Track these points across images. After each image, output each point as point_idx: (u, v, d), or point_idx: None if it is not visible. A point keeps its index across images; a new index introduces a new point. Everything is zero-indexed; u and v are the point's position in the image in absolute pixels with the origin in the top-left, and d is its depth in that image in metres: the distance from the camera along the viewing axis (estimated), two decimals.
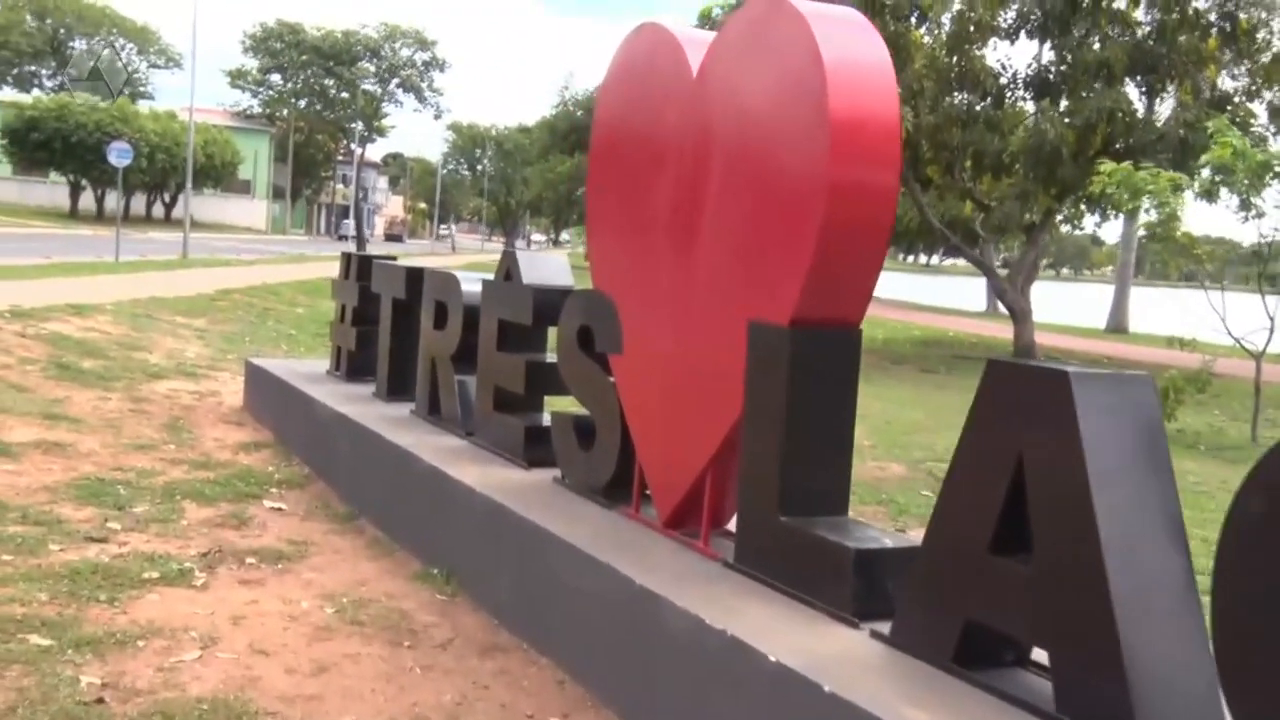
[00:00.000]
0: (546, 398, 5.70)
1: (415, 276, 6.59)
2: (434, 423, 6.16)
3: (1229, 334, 11.15)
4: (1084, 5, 18.44)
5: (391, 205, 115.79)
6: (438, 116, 60.70)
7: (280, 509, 6.07)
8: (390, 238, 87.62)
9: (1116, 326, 34.70)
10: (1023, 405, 2.72)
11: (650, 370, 4.29)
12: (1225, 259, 12.25)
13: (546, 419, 5.51)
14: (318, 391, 7.15)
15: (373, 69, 58.47)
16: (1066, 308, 37.33)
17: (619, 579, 3.74)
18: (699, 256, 3.99)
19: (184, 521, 5.61)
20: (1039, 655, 2.90)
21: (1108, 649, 2.48)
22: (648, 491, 4.45)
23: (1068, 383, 2.61)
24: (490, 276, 6.06)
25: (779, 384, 3.55)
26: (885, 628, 3.18)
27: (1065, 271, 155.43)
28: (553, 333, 5.37)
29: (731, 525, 4.13)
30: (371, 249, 51.43)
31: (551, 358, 5.45)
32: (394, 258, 7.64)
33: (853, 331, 3.62)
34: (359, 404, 6.76)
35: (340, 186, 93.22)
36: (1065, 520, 2.60)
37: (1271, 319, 11.04)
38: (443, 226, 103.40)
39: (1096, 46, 18.25)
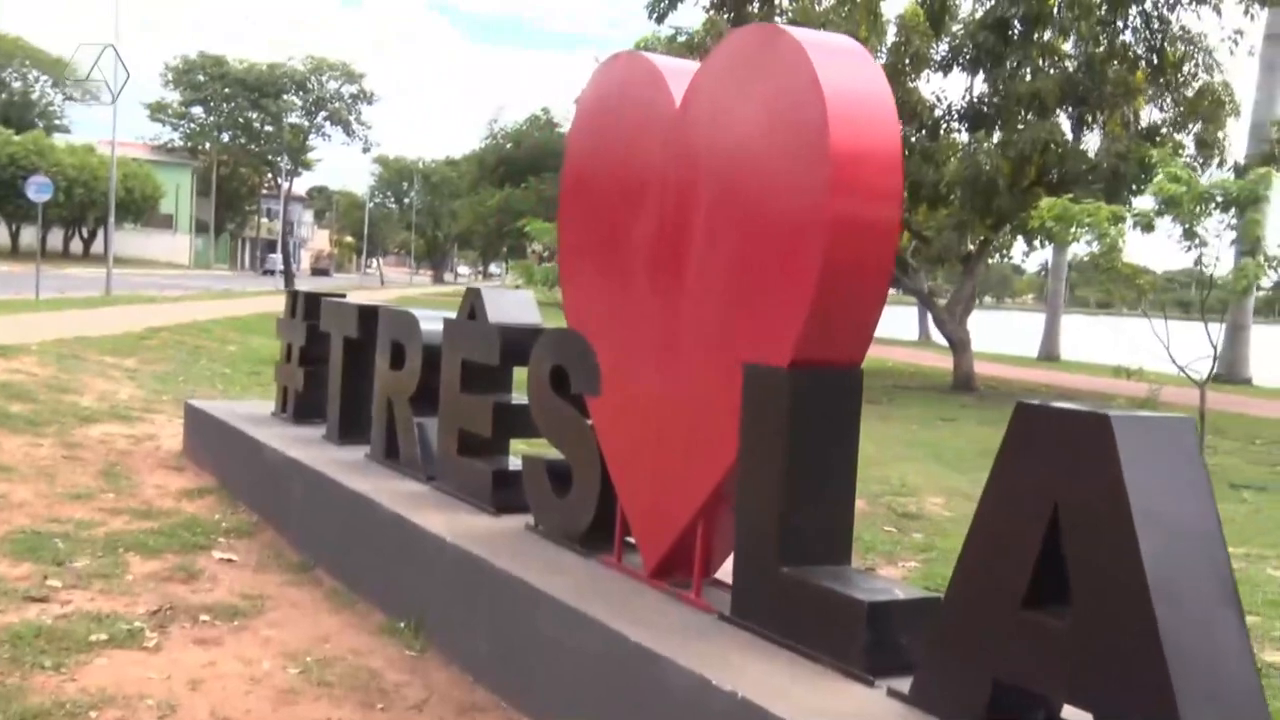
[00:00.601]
0: (512, 440, 5.49)
1: (369, 315, 6.35)
2: (392, 467, 5.92)
3: (1173, 362, 11.24)
4: (1015, 38, 18.69)
5: (317, 239, 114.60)
6: (366, 149, 60.15)
7: (231, 560, 5.78)
8: (316, 272, 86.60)
9: (1048, 354, 35.18)
10: (1059, 451, 2.59)
11: (632, 413, 4.11)
12: (1164, 287, 12.39)
13: (514, 462, 5.31)
14: (265, 435, 6.86)
15: (299, 102, 57.79)
16: (995, 336, 37.76)
17: (609, 634, 3.55)
18: (686, 295, 3.83)
19: (129, 576, 5.30)
20: (1070, 714, 2.76)
21: (1161, 708, 2.34)
22: (629, 539, 4.27)
23: (1109, 426, 2.48)
24: (435, 312, 5.87)
25: (778, 428, 3.39)
26: (901, 684, 3.02)
27: (988, 300, 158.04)
28: (519, 373, 5.20)
29: (721, 574, 3.97)
30: (299, 284, 50.74)
31: (519, 398, 5.26)
32: (344, 295, 7.39)
33: (854, 372, 3.47)
34: (310, 447, 6.49)
35: (265, 220, 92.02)
36: (1109, 571, 2.46)
37: (1215, 347, 11.15)
38: (369, 261, 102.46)
39: (1028, 78, 18.50)
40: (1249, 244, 10.77)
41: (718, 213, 3.67)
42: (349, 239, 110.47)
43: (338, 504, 5.58)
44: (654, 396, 3.99)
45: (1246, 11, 18.20)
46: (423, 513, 4.96)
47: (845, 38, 3.53)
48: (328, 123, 57.57)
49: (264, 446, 6.63)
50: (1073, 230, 11.15)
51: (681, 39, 19.18)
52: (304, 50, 68.50)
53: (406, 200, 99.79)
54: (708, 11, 19.60)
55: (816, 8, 18.28)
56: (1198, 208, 10.47)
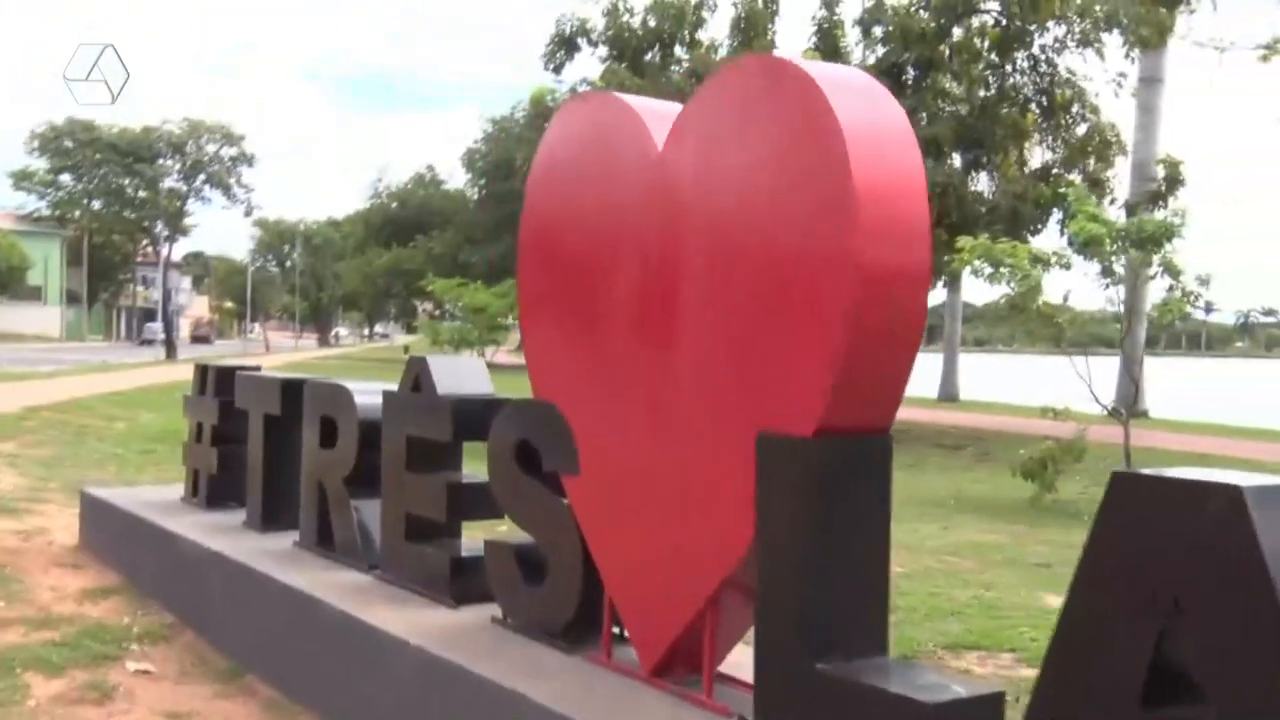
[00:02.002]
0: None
1: (293, 389, 5.82)
2: (326, 556, 5.38)
3: (1095, 399, 11.21)
4: (909, 84, 18.87)
5: (196, 306, 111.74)
6: (248, 213, 58.66)
7: (147, 671, 5.17)
8: (197, 339, 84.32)
9: (948, 395, 35.55)
10: (1176, 528, 2.24)
11: (620, 492, 3.69)
12: (1083, 325, 12.46)
13: (470, 545, 4.83)
14: (177, 524, 6.25)
15: (176, 166, 56.24)
16: None
17: None
18: (681, 358, 3.44)
19: (30, 702, 4.67)
20: None
21: None
22: (617, 629, 3.84)
23: (1242, 500, 2.14)
24: (367, 384, 5.40)
25: (804, 505, 3.00)
26: None
27: None
28: (469, 448, 4.75)
29: (727, 666, 3.56)
30: (181, 352, 49.11)
31: (471, 476, 4.80)
32: (258, 368, 6.83)
33: (884, 439, 3.11)
34: (230, 537, 5.91)
35: (140, 289, 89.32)
36: (1253, 666, 2.11)
37: (1135, 384, 11.14)
38: (252, 326, 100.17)
39: (924, 123, 18.66)
40: (1170, 279, 10.83)
41: (717, 264, 3.29)
42: (229, 304, 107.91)
43: (270, 601, 5.03)
44: (646, 473, 3.57)
45: (1127, 55, 18.67)
46: (373, 609, 4.45)
47: (851, 68, 3.20)
48: (207, 186, 56.08)
49: (178, 538, 6.02)
50: (998, 270, 11.09)
51: (583, 88, 18.94)
52: (177, 118, 66.88)
53: (288, 263, 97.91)
54: (604, 62, 19.42)
55: (714, 56, 18.21)
56: (1116, 246, 10.48)
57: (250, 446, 6.20)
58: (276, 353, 62.97)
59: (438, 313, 55.96)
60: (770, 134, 3.12)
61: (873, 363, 2.99)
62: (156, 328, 61.87)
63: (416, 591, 4.70)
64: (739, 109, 3.24)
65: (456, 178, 62.01)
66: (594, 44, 19.58)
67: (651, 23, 18.85)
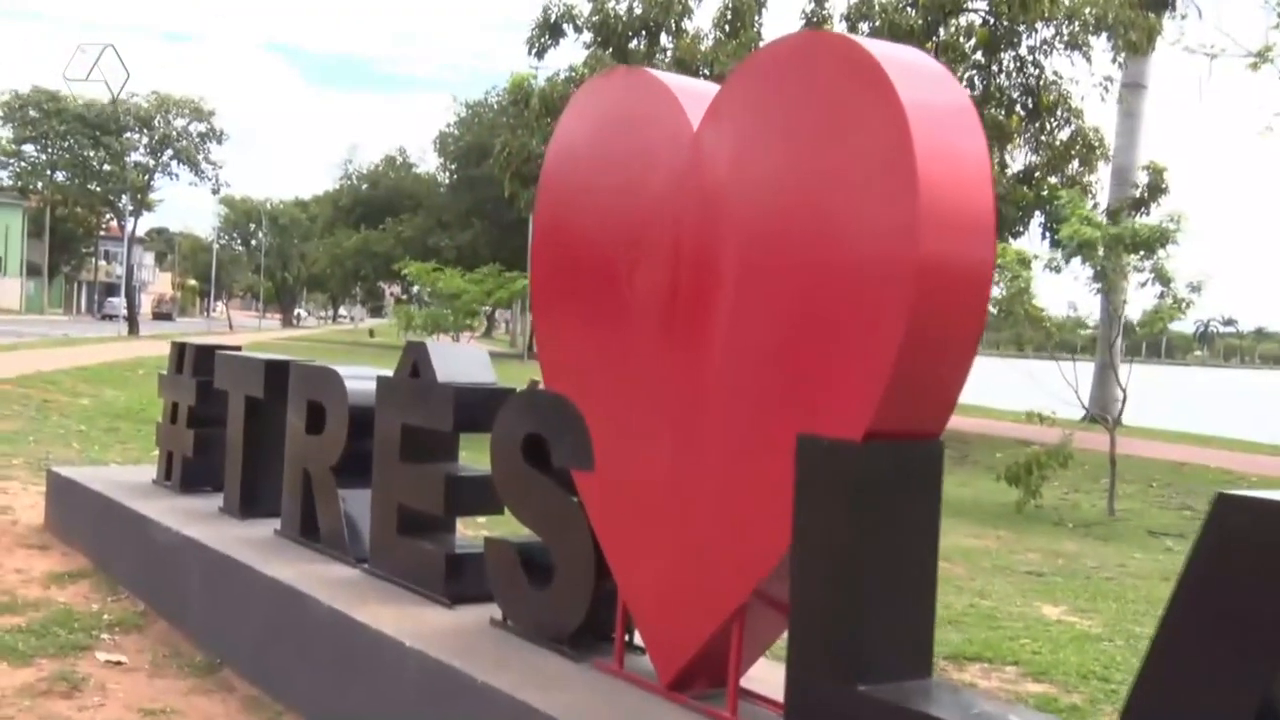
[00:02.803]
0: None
1: (278, 371, 5.56)
2: (309, 546, 5.13)
3: (1082, 405, 11.10)
4: None
5: (159, 282, 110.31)
6: (216, 190, 57.70)
7: (119, 662, 4.91)
8: (159, 316, 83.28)
9: None
10: None
11: (639, 492, 3.48)
12: (1072, 329, 12.36)
13: (467, 543, 4.62)
14: (151, 508, 5.98)
15: (144, 140, 55.27)
16: None
17: None
18: (713, 353, 3.23)
19: None
20: None
21: None
22: (628, 637, 3.64)
23: None
24: (359, 368, 5.17)
25: (849, 513, 2.80)
26: None
27: None
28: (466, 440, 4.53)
29: (748, 682, 3.36)
30: (143, 329, 48.37)
31: (468, 468, 4.58)
32: (239, 348, 6.56)
33: (935, 444, 2.91)
34: (208, 523, 5.65)
35: (103, 263, 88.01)
36: None
37: (1124, 390, 11.04)
38: (216, 304, 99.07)
39: None
40: (1162, 285, 10.73)
41: (758, 254, 3.08)
42: (192, 282, 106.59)
43: (252, 593, 4.79)
44: (670, 472, 3.36)
45: (1115, 59, 18.61)
46: (365, 606, 4.22)
47: (912, 49, 3.00)
48: (175, 161, 55.14)
49: (152, 523, 5.75)
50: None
51: (564, 75, 18.67)
52: (137, 88, 65.39)
53: (253, 242, 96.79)
54: (588, 48, 19.15)
55: (700, 47, 17.99)
56: (1110, 251, 10.37)
57: (230, 429, 5.94)
58: (240, 332, 62.15)
59: (405, 297, 55.48)
60: (824, 116, 2.91)
61: (929, 365, 2.79)
62: (118, 303, 60.87)
63: (408, 588, 4.47)
64: (788, 88, 3.03)
65: (428, 161, 61.51)
66: (579, 30, 19.31)
67: (638, 10, 18.60)
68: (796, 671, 2.95)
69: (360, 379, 5.00)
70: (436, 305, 15.98)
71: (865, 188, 2.79)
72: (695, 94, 3.45)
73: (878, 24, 17.64)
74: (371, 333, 68.27)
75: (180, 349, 6.68)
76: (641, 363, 3.49)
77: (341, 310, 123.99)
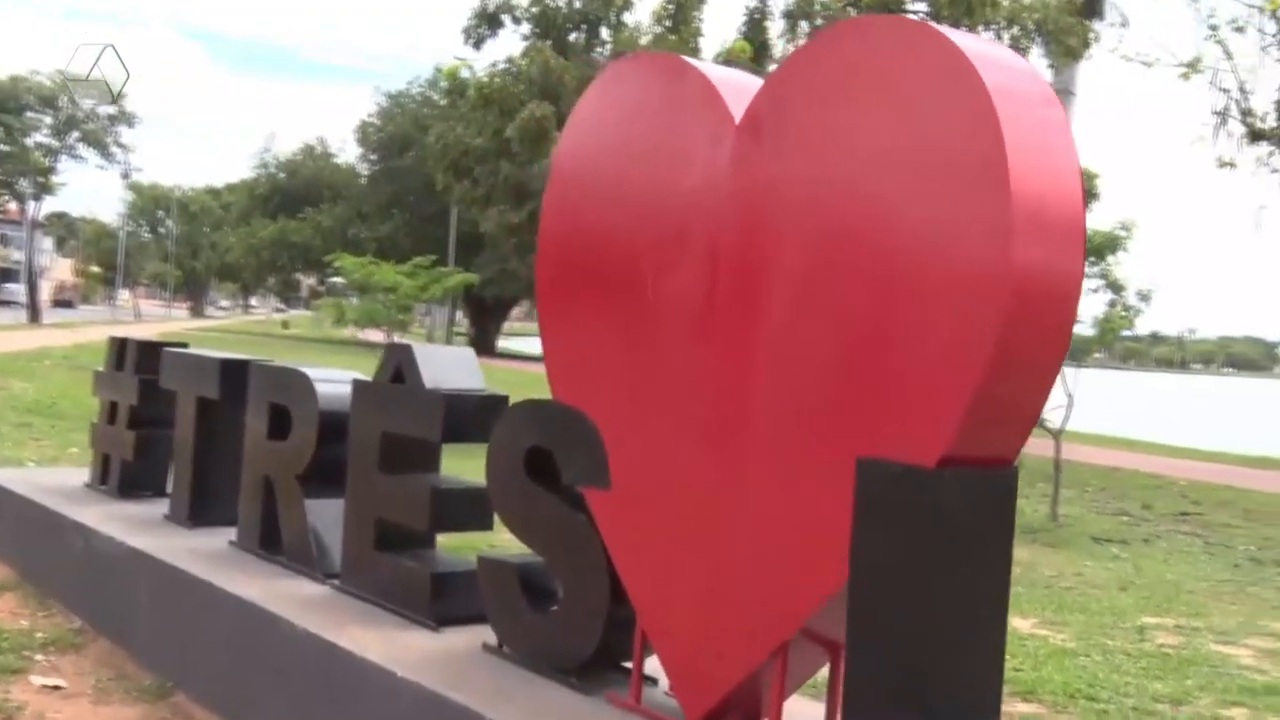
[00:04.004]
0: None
1: (235, 371, 5.18)
2: (270, 560, 4.77)
3: None
4: None
5: (59, 268, 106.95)
6: (126, 175, 55.86)
7: (58, 687, 4.52)
8: (59, 304, 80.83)
9: None
10: None
11: (667, 516, 3.20)
12: None
13: (452, 561, 4.31)
14: (88, 515, 5.55)
15: (48, 120, 53.31)
16: None
17: None
18: (758, 365, 2.96)
19: None
20: None
21: None
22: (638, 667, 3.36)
23: None
24: (329, 371, 4.84)
25: (918, 546, 2.56)
26: None
27: None
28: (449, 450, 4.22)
29: None
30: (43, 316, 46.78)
31: (455, 481, 4.27)
32: (185, 344, 6.15)
33: (1011, 472, 2.69)
34: (154, 533, 5.25)
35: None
36: None
37: (1070, 396, 11.04)
38: (122, 292, 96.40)
39: None
40: (1113, 293, 10.72)
41: (816, 259, 2.83)
42: (95, 269, 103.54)
43: (211, 612, 4.42)
44: (703, 494, 3.10)
45: (1051, 65, 18.73)
46: (344, 628, 3.89)
47: (994, 42, 2.77)
48: (81, 144, 53.26)
49: (91, 532, 5.33)
50: None
51: (502, 66, 18.26)
52: (40, 66, 62.84)
53: (162, 230, 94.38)
54: (526, 40, 18.77)
55: (640, 41, 17.72)
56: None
57: (178, 432, 5.53)
58: (147, 321, 60.49)
59: (322, 289, 54.47)
60: (898, 108, 2.67)
61: (1013, 386, 2.57)
62: (16, 289, 58.83)
63: (387, 608, 4.14)
64: (854, 77, 2.78)
65: (348, 151, 60.35)
66: (518, 21, 18.94)
67: (578, 3, 18.29)
68: (854, 716, 2.70)
69: (331, 382, 4.66)
70: (365, 298, 15.54)
71: (950, 194, 2.55)
72: (734, 83, 3.19)
73: (819, 23, 17.54)
74: (286, 324, 66.91)
75: (121, 344, 6.24)
76: (669, 374, 3.22)
77: (253, 301, 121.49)
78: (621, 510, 3.34)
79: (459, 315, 53.69)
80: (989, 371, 2.48)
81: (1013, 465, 2.70)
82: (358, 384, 4.41)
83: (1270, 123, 17.51)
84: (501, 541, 6.25)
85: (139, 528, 5.32)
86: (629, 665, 3.41)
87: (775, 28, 19.51)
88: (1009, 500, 2.68)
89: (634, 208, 3.35)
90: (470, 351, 4.42)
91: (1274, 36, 16.71)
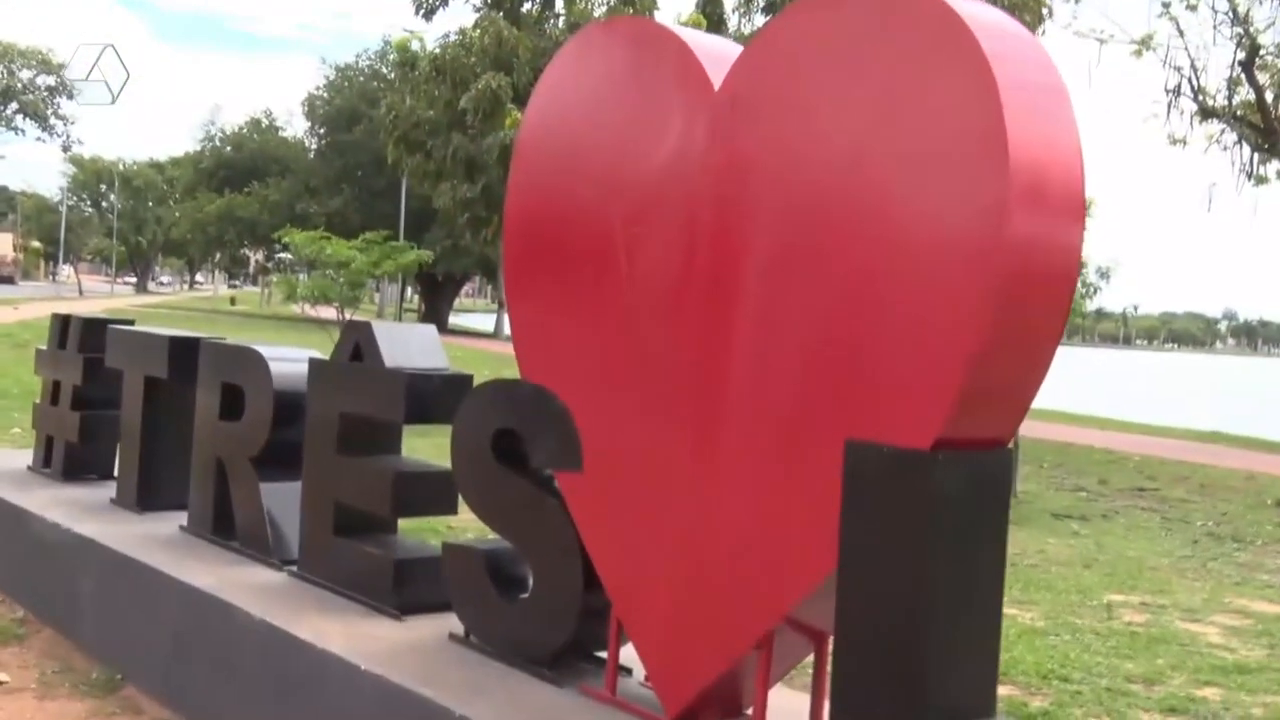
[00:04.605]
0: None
1: (185, 349, 4.98)
2: (223, 545, 4.60)
3: None
4: None
5: None
6: (67, 148, 54.65)
7: (1, 681, 4.32)
8: None
9: None
10: None
11: (643, 500, 3.08)
12: None
13: (415, 547, 4.16)
14: (31, 500, 5.34)
15: None
16: None
17: None
18: (739, 343, 2.83)
19: None
20: None
21: None
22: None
23: None
24: (284, 349, 4.68)
25: (911, 532, 2.45)
26: None
27: None
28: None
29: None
30: None
31: (418, 463, 4.12)
32: (131, 321, 5.92)
33: (1004, 454, 2.59)
34: (101, 518, 5.04)
35: None
36: None
37: None
38: (64, 267, 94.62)
39: None
40: None
41: (801, 234, 2.70)
42: (36, 244, 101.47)
43: (163, 600, 4.24)
44: (682, 479, 2.97)
45: None
46: (304, 618, 3.74)
47: (991, 7, 2.64)
48: (20, 116, 52.03)
49: (34, 517, 5.12)
50: None
51: (453, 38, 17.94)
52: None
53: (104, 204, 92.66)
54: (478, 11, 18.46)
55: (594, 13, 17.48)
56: None
57: (125, 413, 5.32)
58: (91, 297, 59.39)
59: (269, 264, 53.74)
60: (889, 76, 2.54)
61: (1010, 364, 2.46)
62: None
63: (348, 596, 3.99)
64: (842, 44, 2.64)
65: (295, 124, 59.47)
66: None
67: None
68: (843, 712, 2.59)
69: (286, 360, 4.49)
70: (317, 274, 15.26)
71: (945, 164, 2.42)
72: (712, 50, 3.05)
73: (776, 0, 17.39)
74: (233, 300, 65.96)
75: (64, 321, 6.00)
76: (645, 352, 3.08)
77: (199, 277, 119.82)
78: (595, 494, 3.21)
79: (409, 292, 53.21)
80: (984, 349, 2.37)
81: (1007, 446, 2.60)
82: (314, 363, 4.24)
83: (1221, 100, 17.63)
84: (459, 524, 6.12)
85: (85, 513, 5.11)
86: (603, 655, 3.29)
87: (730, 1, 19.36)
88: (1004, 483, 2.58)
89: (606, 180, 3.20)
90: (432, 329, 4.26)
91: (1225, 15, 16.81)
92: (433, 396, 3.85)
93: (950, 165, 2.42)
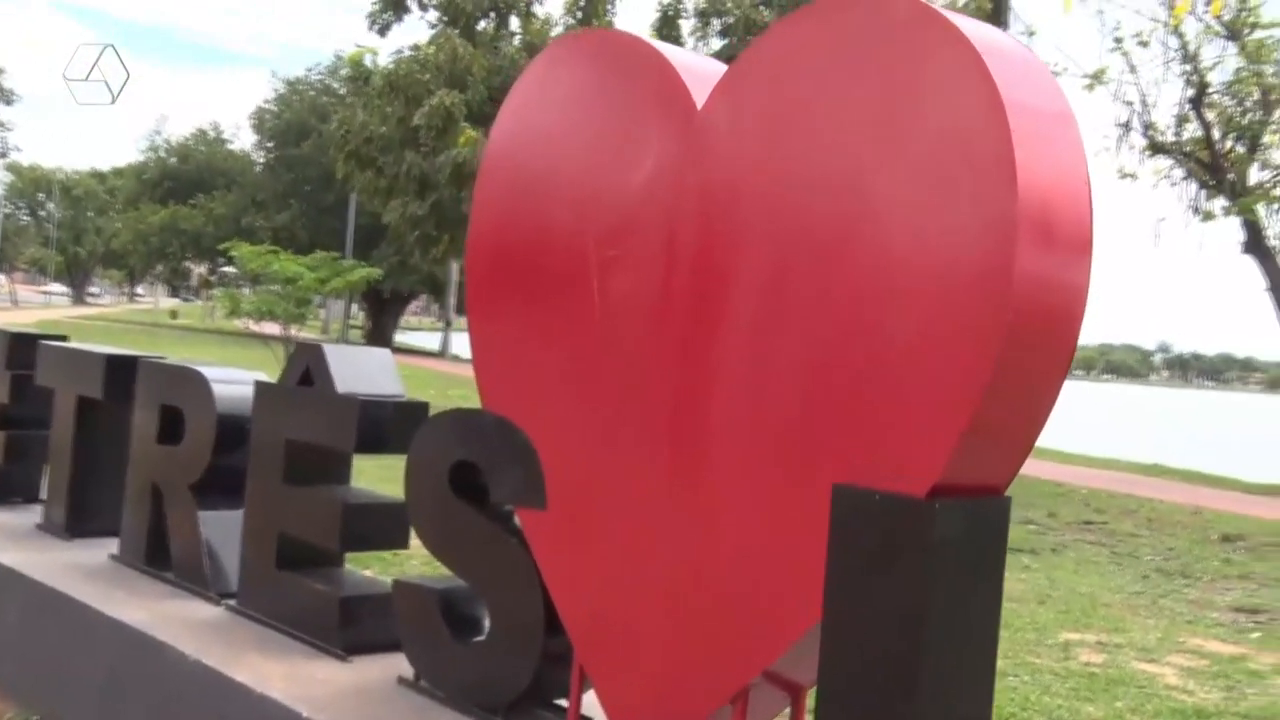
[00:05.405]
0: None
1: (122, 368, 4.73)
2: (157, 577, 4.35)
3: None
4: None
5: None
6: (4, 154, 53.55)
7: None
8: None
9: None
10: None
11: (611, 542, 2.90)
12: None
13: (363, 583, 3.94)
14: None
15: None
16: None
17: None
18: (720, 377, 2.67)
19: None
20: None
21: None
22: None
23: None
24: (226, 370, 4.45)
25: (906, 584, 2.29)
26: None
27: None
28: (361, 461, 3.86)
29: None
30: None
31: (368, 495, 3.91)
32: (65, 337, 5.65)
33: (1004, 501, 2.44)
34: (26, 545, 4.77)
35: None
36: None
37: None
38: None
39: None
40: None
41: (790, 261, 2.54)
42: None
43: (91, 637, 3.98)
44: (655, 520, 2.79)
45: None
46: (241, 658, 3.51)
47: (994, 27, 2.51)
48: None
49: None
50: None
51: (407, 54, 17.71)
52: None
53: (42, 213, 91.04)
54: (433, 27, 18.26)
55: (550, 32, 17.35)
56: None
57: (55, 433, 5.05)
58: (25, 308, 58.20)
59: (212, 278, 52.96)
60: (889, 101, 2.39)
61: (1014, 406, 2.32)
62: None
63: (289, 634, 3.76)
64: (835, 63, 2.49)
65: (243, 137, 58.73)
66: (424, 7, 18.41)
67: None
68: None
69: (230, 383, 4.26)
70: (263, 289, 14.92)
71: (948, 194, 2.28)
72: (694, 66, 2.89)
73: (732, 21, 17.39)
74: (174, 314, 64.89)
75: None
76: (617, 384, 2.91)
77: (140, 289, 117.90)
78: (559, 534, 3.02)
79: (354, 308, 52.62)
80: (990, 389, 2.22)
81: (1005, 494, 2.45)
82: (261, 386, 4.02)
83: (1170, 136, 17.83)
84: (403, 553, 5.89)
85: (8, 539, 4.84)
86: (564, 704, 3.10)
87: (688, 25, 19.29)
88: (1003, 534, 2.44)
89: (578, 200, 3.03)
90: (386, 353, 4.05)
91: (1176, 51, 17.00)
92: (386, 424, 3.65)
93: (954, 195, 2.27)
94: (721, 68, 2.87)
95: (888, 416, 2.35)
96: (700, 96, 2.78)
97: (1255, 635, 7.75)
